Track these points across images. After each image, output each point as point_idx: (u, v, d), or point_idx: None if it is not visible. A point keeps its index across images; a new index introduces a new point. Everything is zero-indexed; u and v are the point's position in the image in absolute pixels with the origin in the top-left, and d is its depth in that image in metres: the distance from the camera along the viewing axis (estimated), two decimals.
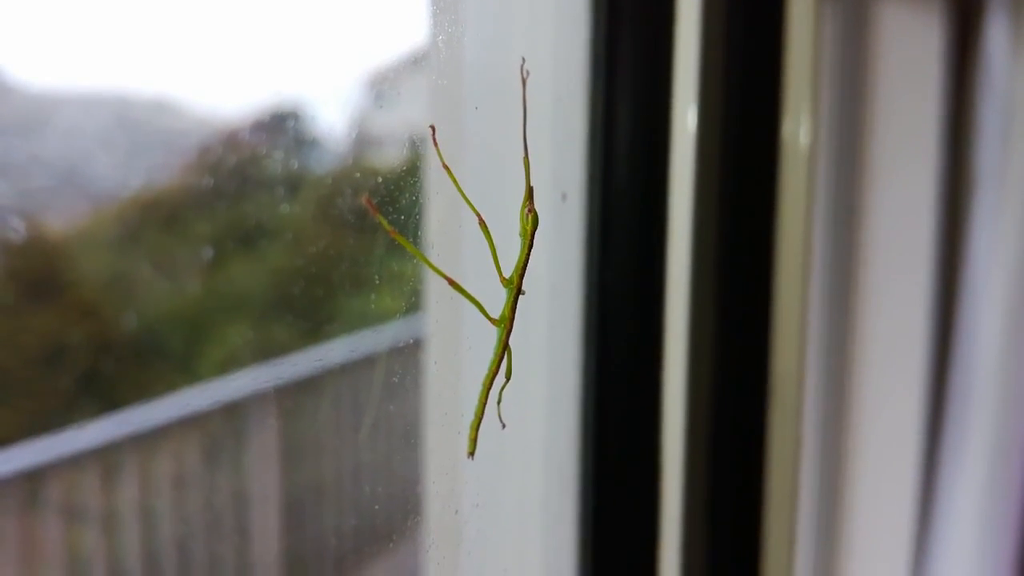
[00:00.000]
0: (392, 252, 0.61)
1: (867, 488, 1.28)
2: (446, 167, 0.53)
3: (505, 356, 0.57)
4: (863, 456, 1.27)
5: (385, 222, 0.53)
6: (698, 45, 0.78)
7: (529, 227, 0.55)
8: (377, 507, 0.69)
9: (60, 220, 0.72)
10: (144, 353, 0.79)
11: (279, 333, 0.78)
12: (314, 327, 0.73)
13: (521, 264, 0.56)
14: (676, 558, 0.84)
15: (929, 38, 1.17)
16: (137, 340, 0.77)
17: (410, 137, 0.62)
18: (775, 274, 0.90)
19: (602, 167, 0.77)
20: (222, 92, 0.70)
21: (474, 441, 0.56)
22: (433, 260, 0.55)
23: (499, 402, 0.58)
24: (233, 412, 0.94)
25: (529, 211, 0.55)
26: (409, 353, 0.63)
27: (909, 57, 1.17)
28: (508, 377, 0.58)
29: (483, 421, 0.56)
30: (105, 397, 0.81)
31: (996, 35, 1.19)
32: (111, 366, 0.79)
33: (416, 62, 0.65)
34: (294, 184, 0.73)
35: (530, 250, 0.56)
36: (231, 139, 0.71)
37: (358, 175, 0.64)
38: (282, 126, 0.73)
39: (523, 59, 0.56)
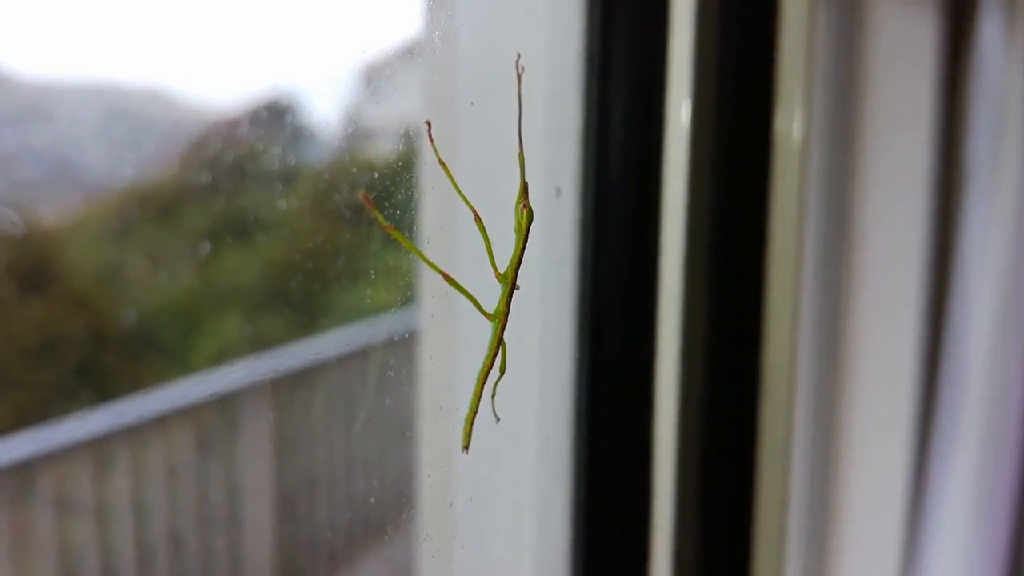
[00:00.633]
0: (387, 246, 0.61)
1: (858, 484, 1.28)
2: (442, 162, 0.53)
3: (500, 350, 0.57)
4: (854, 451, 1.27)
5: (381, 217, 0.53)
6: (692, 40, 0.78)
7: (524, 222, 0.55)
8: (372, 500, 0.69)
9: (53, 211, 0.72)
10: (137, 345, 0.79)
11: (272, 326, 0.78)
12: (308, 320, 0.73)
13: (516, 259, 0.56)
14: (668, 551, 0.85)
15: (922, 33, 1.17)
16: (130, 332, 0.77)
17: (405, 131, 0.62)
18: (768, 268, 0.90)
19: (596, 162, 0.77)
20: (216, 83, 0.70)
21: (468, 435, 0.56)
22: (428, 255, 0.55)
23: (493, 396, 0.59)
24: (226, 404, 0.94)
25: (524, 206, 0.55)
26: (404, 347, 0.63)
27: (902, 52, 1.17)
28: (503, 371, 0.58)
29: (477, 415, 0.56)
30: (98, 389, 0.81)
31: (989, 30, 1.19)
32: (104, 358, 0.78)
33: (411, 56, 0.65)
34: (288, 177, 0.73)
35: (525, 245, 0.56)
36: (224, 131, 0.71)
37: (354, 169, 0.64)
38: (276, 118, 0.73)
39: (518, 54, 0.56)
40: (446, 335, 0.64)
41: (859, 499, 1.28)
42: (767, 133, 0.90)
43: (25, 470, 0.94)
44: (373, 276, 0.63)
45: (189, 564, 0.99)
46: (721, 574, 0.93)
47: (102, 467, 1.00)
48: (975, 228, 1.23)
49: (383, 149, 0.66)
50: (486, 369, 0.57)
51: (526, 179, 0.55)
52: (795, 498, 1.22)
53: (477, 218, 0.54)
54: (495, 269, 0.56)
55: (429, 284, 0.62)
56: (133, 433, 1.02)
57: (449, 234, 0.61)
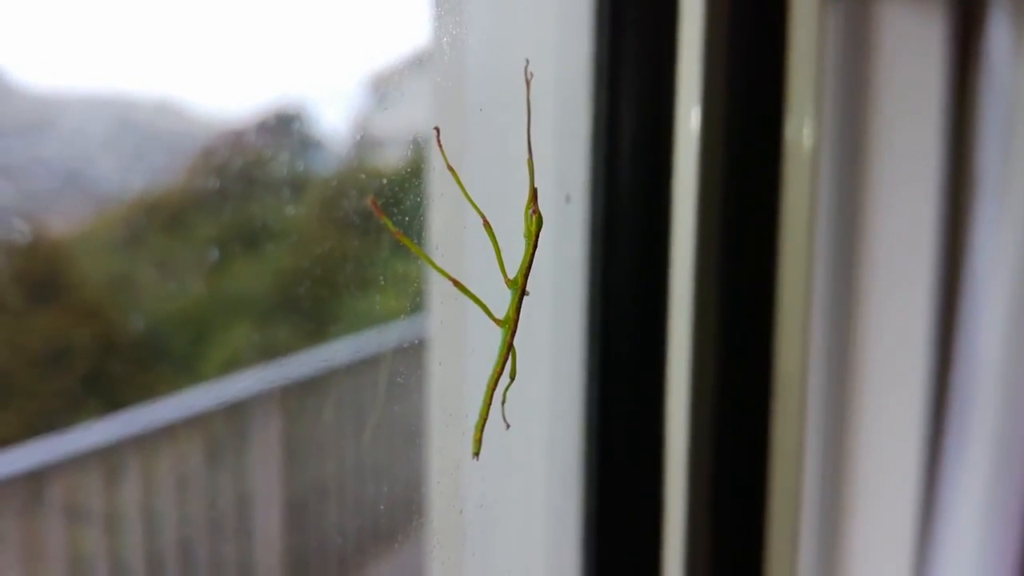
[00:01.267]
0: (396, 253, 0.61)
1: (870, 488, 1.28)
2: (451, 169, 0.53)
3: (510, 357, 0.57)
4: (866, 456, 1.27)
5: (390, 223, 0.53)
6: (701, 46, 0.78)
7: (533, 228, 0.55)
8: (382, 507, 0.69)
9: (63, 222, 0.72)
10: (146, 354, 0.79)
11: (281, 334, 0.78)
12: (317, 328, 0.73)
13: (525, 265, 0.56)
14: (680, 557, 0.84)
15: (931, 39, 1.17)
16: (139, 341, 0.77)
17: (413, 138, 0.62)
18: (778, 275, 0.90)
19: (605, 168, 0.77)
20: (224, 93, 0.70)
21: (479, 441, 0.56)
22: (437, 261, 0.55)
23: (503, 402, 0.58)
24: (236, 412, 0.94)
25: (533, 212, 0.55)
26: (413, 354, 0.63)
27: (911, 58, 1.17)
28: (512, 377, 0.58)
29: (487, 421, 0.56)
30: (107, 398, 0.81)
31: (998, 35, 1.19)
32: (113, 367, 0.79)
33: (419, 63, 0.65)
34: (297, 185, 0.73)
35: (534, 251, 0.56)
36: (234, 141, 0.71)
37: (363, 176, 0.64)
38: (285, 127, 0.73)
39: (527, 60, 0.56)
40: (455, 341, 0.64)
41: (871, 503, 1.27)
42: (777, 140, 0.89)
43: (35, 479, 0.94)
44: (382, 283, 0.63)
45: (199, 572, 0.99)
46: None
47: (112, 476, 1.00)
48: (985, 232, 1.23)
49: (392, 156, 0.66)
50: (496, 375, 0.56)
51: (535, 185, 0.55)
52: (807, 503, 1.22)
53: (486, 224, 0.53)
54: (505, 275, 0.55)
55: (438, 290, 0.62)
56: (143, 442, 1.02)
57: (458, 240, 0.61)
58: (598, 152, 0.77)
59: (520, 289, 0.56)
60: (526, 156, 0.55)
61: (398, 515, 0.67)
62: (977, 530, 1.26)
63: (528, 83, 0.56)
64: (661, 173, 0.80)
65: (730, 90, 0.83)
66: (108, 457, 0.99)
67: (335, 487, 0.98)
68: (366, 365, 0.67)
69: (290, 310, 0.75)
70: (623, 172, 0.77)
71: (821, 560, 1.29)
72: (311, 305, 0.70)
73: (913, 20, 1.16)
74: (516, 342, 0.57)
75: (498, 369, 0.56)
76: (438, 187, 0.59)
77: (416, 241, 0.58)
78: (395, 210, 0.58)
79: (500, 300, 0.56)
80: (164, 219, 0.75)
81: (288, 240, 0.75)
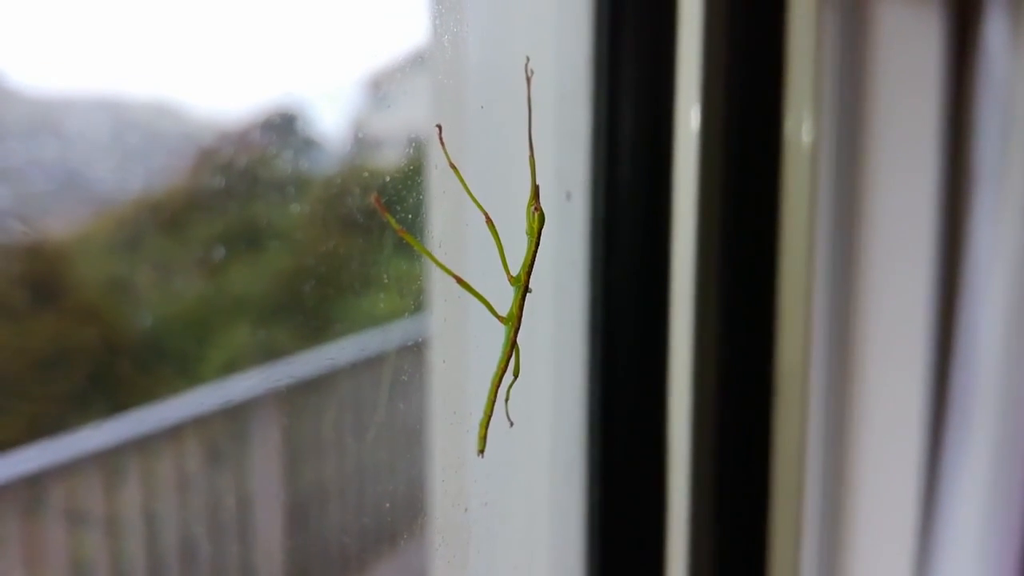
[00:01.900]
0: (399, 251, 0.61)
1: (871, 487, 1.28)
2: (453, 166, 0.53)
3: (513, 354, 0.57)
4: (867, 454, 1.27)
5: (393, 221, 0.53)
6: (700, 44, 0.78)
7: (536, 225, 0.55)
8: (386, 506, 0.69)
9: (61, 224, 0.72)
10: (148, 355, 0.79)
11: (284, 333, 0.78)
12: (320, 327, 0.73)
13: (528, 262, 0.56)
14: (683, 555, 0.84)
15: (929, 36, 1.17)
16: (141, 342, 0.77)
17: (415, 137, 0.62)
18: (779, 271, 0.90)
19: (606, 166, 0.77)
20: (224, 94, 0.70)
21: (484, 439, 0.56)
22: (440, 259, 0.55)
23: (507, 400, 0.58)
24: (239, 413, 0.93)
25: (535, 209, 0.55)
26: (417, 352, 0.63)
27: (909, 55, 1.17)
28: (516, 375, 0.58)
29: (492, 419, 0.56)
30: (109, 400, 0.81)
31: (995, 33, 1.19)
32: (115, 369, 0.78)
33: (420, 61, 0.65)
34: (299, 184, 0.73)
35: (537, 248, 0.56)
36: (234, 140, 0.71)
37: (365, 175, 0.64)
38: (286, 126, 0.73)
39: (527, 58, 0.56)
40: (458, 339, 0.64)
41: (873, 502, 1.28)
42: (777, 137, 0.90)
43: (36, 482, 0.93)
44: (385, 281, 0.63)
45: (200, 574, 0.99)
46: None
47: (113, 478, 1.00)
48: (984, 227, 1.23)
49: (393, 154, 0.66)
50: (500, 373, 0.56)
51: (537, 182, 0.55)
52: (810, 501, 1.22)
53: (489, 221, 0.53)
54: (507, 272, 0.56)
55: (441, 289, 0.62)
56: (144, 444, 1.01)
57: (460, 238, 0.61)
58: (598, 149, 0.77)
59: (523, 286, 0.56)
60: (527, 153, 0.55)
61: (402, 514, 0.67)
62: (978, 527, 1.26)
63: (529, 80, 0.56)
64: (661, 170, 0.80)
65: (729, 87, 0.83)
66: (109, 460, 0.98)
67: (338, 487, 0.97)
68: (369, 364, 0.67)
69: (292, 310, 0.75)
70: (623, 169, 0.77)
71: (823, 558, 1.29)
72: (313, 305, 0.70)
73: (911, 17, 1.16)
74: (519, 339, 0.57)
75: (502, 366, 0.56)
76: (440, 185, 0.59)
77: (419, 239, 0.58)
78: (397, 208, 0.58)
79: (503, 297, 0.56)
80: (164, 220, 0.75)
81: (290, 240, 0.75)
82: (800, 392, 0.91)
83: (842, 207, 1.21)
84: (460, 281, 0.53)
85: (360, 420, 0.87)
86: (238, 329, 0.85)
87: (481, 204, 0.53)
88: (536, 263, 0.56)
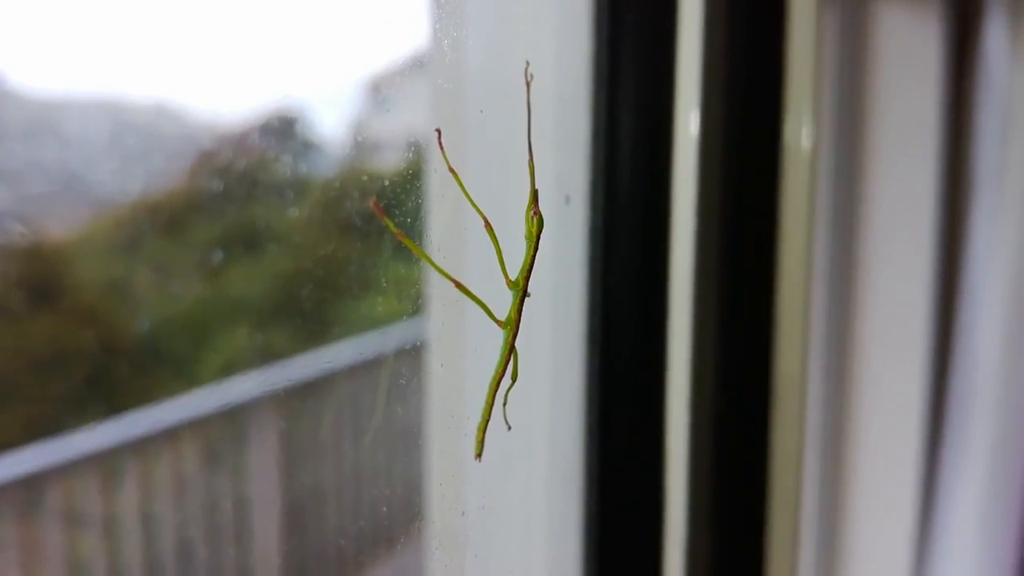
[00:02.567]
0: (398, 255, 0.61)
1: (869, 490, 1.28)
2: (452, 170, 0.53)
3: (511, 358, 0.57)
4: (865, 457, 1.27)
5: (392, 225, 0.53)
6: (700, 49, 0.78)
7: (534, 230, 0.55)
8: (384, 510, 0.69)
9: (61, 225, 0.71)
10: (146, 357, 0.79)
11: (282, 336, 0.78)
12: (319, 330, 0.73)
13: (527, 266, 0.56)
14: (680, 561, 0.84)
15: (928, 40, 1.17)
16: (139, 344, 0.77)
17: (414, 140, 0.62)
18: (777, 276, 0.90)
19: (605, 170, 0.77)
20: (223, 96, 0.70)
21: (481, 443, 0.56)
22: (438, 263, 0.55)
23: (505, 404, 0.58)
24: (236, 416, 0.93)
25: (534, 214, 0.55)
26: (415, 356, 0.63)
27: (908, 59, 1.17)
28: (514, 379, 0.58)
29: (489, 423, 0.56)
30: (106, 402, 0.81)
31: (995, 36, 1.19)
32: (112, 371, 0.78)
33: (419, 65, 0.65)
34: (298, 187, 0.73)
35: (535, 252, 0.56)
36: (233, 142, 0.71)
37: (364, 178, 0.64)
38: (285, 129, 0.73)
39: (527, 62, 0.56)
40: (456, 343, 0.64)
41: (871, 504, 1.28)
42: (776, 142, 0.90)
43: (33, 483, 0.93)
44: (383, 285, 0.63)
45: None
46: None
47: (111, 480, 1.00)
48: (983, 234, 1.23)
49: (393, 158, 0.66)
50: (498, 377, 0.56)
51: (536, 186, 0.55)
52: (807, 504, 1.22)
53: (488, 225, 0.53)
54: (506, 276, 0.56)
55: (439, 292, 0.62)
56: (142, 446, 1.01)
57: (459, 242, 0.61)
58: (598, 153, 0.77)
59: (521, 290, 0.56)
60: (526, 158, 0.55)
61: (399, 518, 0.67)
62: (976, 528, 1.26)
63: (528, 85, 0.56)
64: (660, 174, 0.80)
65: (729, 92, 0.83)
66: (106, 461, 0.98)
67: (335, 490, 0.97)
68: (367, 367, 0.67)
69: (290, 313, 0.74)
70: (623, 173, 0.77)
71: (821, 561, 1.29)
72: (311, 308, 0.70)
73: (910, 22, 1.16)
74: (517, 344, 0.57)
75: (500, 371, 0.56)
76: (439, 189, 0.59)
77: (417, 243, 0.58)
78: (396, 212, 0.58)
79: (501, 302, 0.56)
80: (163, 222, 0.75)
81: (288, 243, 0.75)
82: (798, 395, 0.91)
83: (841, 211, 1.21)
84: (458, 285, 0.53)
85: (358, 423, 0.87)
86: (236, 332, 0.85)
87: (480, 208, 0.53)
88: (535, 267, 0.56)
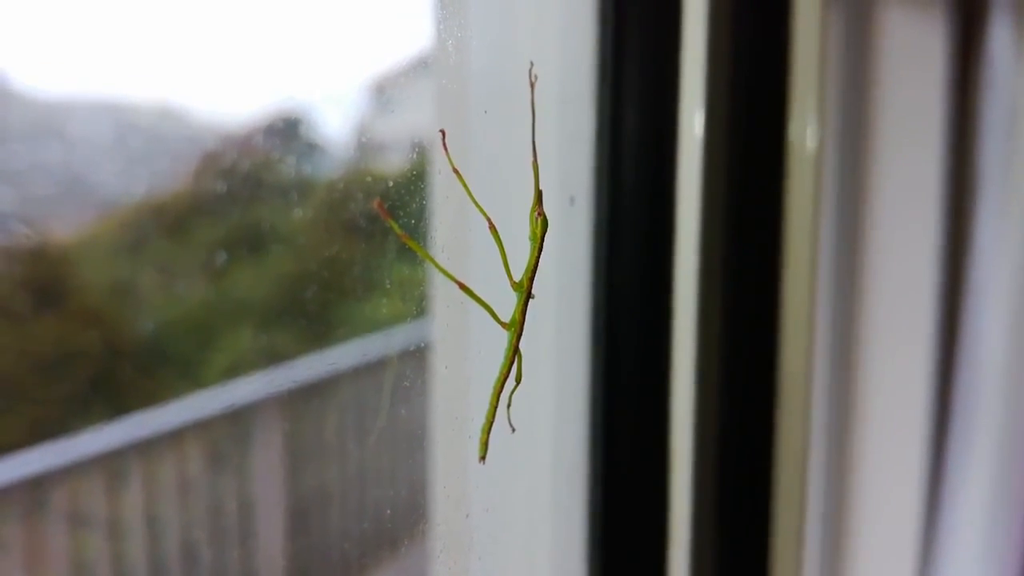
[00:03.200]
0: (402, 256, 0.61)
1: (874, 488, 1.28)
2: (456, 171, 0.53)
3: (516, 360, 0.56)
4: (870, 455, 1.27)
5: (396, 226, 0.53)
6: (705, 49, 0.78)
7: (539, 231, 0.55)
8: (388, 512, 0.69)
9: (65, 227, 0.72)
10: (150, 359, 0.79)
11: (287, 338, 0.78)
12: (323, 332, 0.73)
13: (531, 268, 0.56)
14: (685, 562, 0.84)
15: (933, 40, 1.17)
16: (143, 346, 0.77)
17: (418, 141, 0.62)
18: (782, 275, 0.90)
19: (609, 171, 0.77)
20: (227, 98, 0.70)
21: (485, 445, 0.56)
22: (442, 264, 0.55)
23: (509, 406, 0.58)
24: (240, 417, 0.93)
25: (539, 215, 0.55)
26: (419, 357, 0.63)
27: (913, 59, 1.17)
28: (518, 381, 0.57)
29: (494, 425, 0.56)
30: (111, 403, 0.81)
31: (999, 36, 1.19)
32: (117, 372, 0.78)
33: (423, 66, 0.65)
34: (302, 189, 0.73)
35: (540, 253, 0.56)
36: (236, 145, 0.71)
37: (368, 179, 0.64)
38: (289, 131, 0.73)
39: (531, 63, 0.56)
40: (460, 345, 0.63)
41: (876, 502, 1.27)
42: (780, 142, 0.89)
43: (38, 485, 0.93)
44: (388, 286, 0.63)
45: None
46: None
47: (115, 481, 1.00)
48: (988, 233, 1.23)
49: (397, 159, 0.65)
50: (502, 378, 0.56)
51: (540, 187, 0.55)
52: (812, 503, 1.22)
53: (492, 227, 0.53)
54: (510, 278, 0.55)
55: (443, 294, 0.62)
56: (146, 447, 1.01)
57: (463, 243, 0.61)
58: (602, 154, 0.77)
59: (526, 292, 0.56)
60: (530, 158, 0.54)
61: (403, 520, 0.67)
62: (981, 529, 1.26)
63: (532, 85, 0.56)
64: (665, 175, 0.80)
65: (733, 92, 0.83)
66: (110, 463, 0.98)
67: (339, 492, 0.97)
68: (371, 369, 0.67)
69: (294, 314, 0.74)
70: (627, 174, 0.77)
71: (826, 559, 1.29)
72: (315, 309, 0.70)
73: (915, 22, 1.16)
74: (521, 345, 0.57)
75: (504, 372, 0.56)
76: (443, 190, 0.59)
77: (421, 244, 0.58)
78: (400, 213, 0.57)
79: (505, 303, 0.56)
80: (167, 224, 0.75)
81: (292, 244, 0.75)
82: (803, 393, 0.91)
83: (846, 212, 1.21)
84: (462, 286, 0.53)
85: (362, 425, 0.87)
86: (240, 333, 0.85)
87: (484, 209, 0.53)
88: (539, 268, 0.56)
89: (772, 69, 0.88)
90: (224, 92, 0.70)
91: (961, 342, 1.28)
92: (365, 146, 0.72)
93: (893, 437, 1.26)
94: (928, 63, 1.18)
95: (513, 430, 0.59)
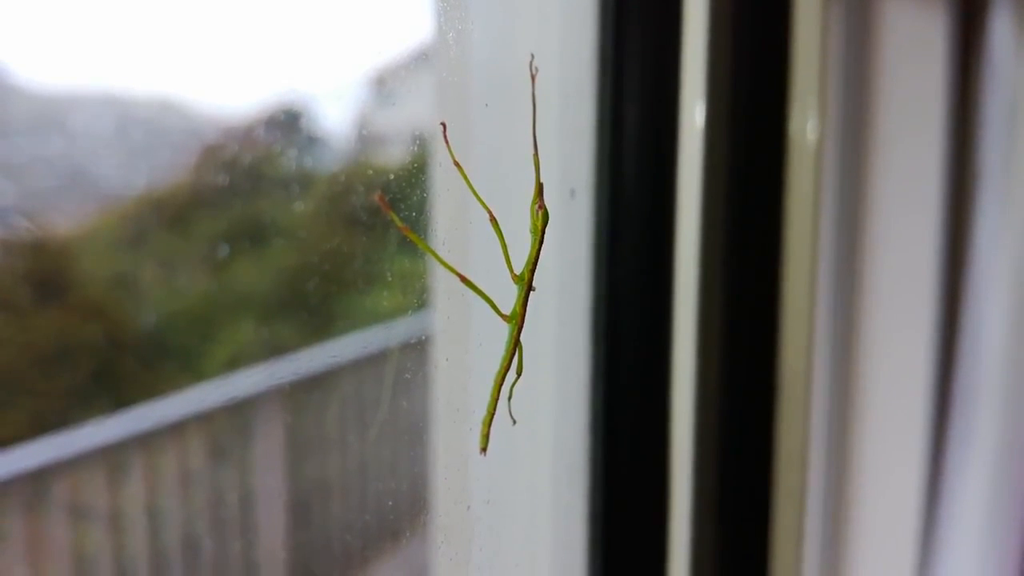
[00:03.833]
0: (402, 249, 0.61)
1: (874, 486, 1.28)
2: (457, 164, 0.53)
3: (516, 352, 0.57)
4: (870, 453, 1.27)
5: (397, 219, 0.53)
6: (705, 41, 0.78)
7: (540, 223, 0.55)
8: (389, 503, 0.69)
9: (66, 220, 0.72)
10: (152, 351, 0.79)
11: (288, 330, 0.78)
12: (324, 324, 0.73)
13: (532, 260, 0.56)
14: (686, 553, 0.84)
15: (934, 34, 1.17)
16: (145, 339, 0.77)
17: (419, 134, 0.62)
18: (783, 268, 0.90)
19: (610, 163, 0.77)
20: (228, 91, 0.70)
21: (486, 437, 0.56)
22: (443, 257, 0.55)
23: (510, 398, 0.58)
24: (242, 409, 0.94)
25: (539, 207, 0.55)
26: (420, 350, 0.63)
27: (914, 54, 1.17)
28: (519, 373, 0.58)
29: (495, 417, 0.56)
30: (112, 396, 0.81)
31: (1000, 30, 1.19)
32: (118, 365, 0.78)
33: (424, 59, 0.65)
34: (303, 181, 0.73)
35: (541, 246, 0.56)
36: (237, 138, 0.71)
37: (369, 172, 0.64)
38: (290, 123, 0.73)
39: (532, 55, 0.56)
40: (461, 337, 0.64)
41: (875, 502, 1.27)
42: (781, 135, 0.89)
43: (40, 477, 0.94)
44: (389, 279, 0.63)
45: (203, 569, 0.99)
46: None
47: (117, 474, 1.00)
48: (988, 228, 1.23)
49: (397, 151, 0.66)
50: (503, 371, 0.56)
51: (541, 180, 0.55)
52: (812, 501, 1.22)
53: (493, 219, 0.53)
54: (511, 270, 0.55)
55: (444, 286, 0.62)
56: (148, 440, 1.02)
57: (464, 236, 0.61)
58: (603, 147, 0.77)
59: (527, 284, 0.56)
60: (531, 151, 0.54)
61: (404, 512, 0.67)
62: (981, 529, 1.26)
63: (533, 78, 0.56)
64: (665, 167, 0.80)
65: (734, 85, 0.83)
66: (112, 455, 0.98)
67: (340, 484, 0.98)
68: (372, 361, 0.67)
69: (295, 307, 0.75)
70: (628, 166, 0.77)
71: (825, 557, 1.29)
72: (317, 302, 0.70)
73: (916, 16, 1.16)
74: (522, 337, 0.57)
75: (505, 365, 0.56)
76: (444, 183, 0.59)
77: (422, 237, 0.58)
78: (401, 206, 0.58)
79: (506, 296, 0.56)
80: (168, 217, 0.75)
81: (293, 237, 0.75)
82: (803, 391, 0.91)
83: (846, 205, 1.21)
84: (463, 279, 0.53)
85: (363, 417, 0.87)
86: (242, 326, 0.85)
87: (485, 202, 0.53)
88: (540, 261, 0.56)
89: (773, 62, 0.88)
90: (225, 85, 0.70)
91: (961, 336, 1.28)
92: (366, 139, 0.72)
93: (893, 433, 1.27)
94: (929, 56, 1.17)
95: (514, 422, 0.59)
